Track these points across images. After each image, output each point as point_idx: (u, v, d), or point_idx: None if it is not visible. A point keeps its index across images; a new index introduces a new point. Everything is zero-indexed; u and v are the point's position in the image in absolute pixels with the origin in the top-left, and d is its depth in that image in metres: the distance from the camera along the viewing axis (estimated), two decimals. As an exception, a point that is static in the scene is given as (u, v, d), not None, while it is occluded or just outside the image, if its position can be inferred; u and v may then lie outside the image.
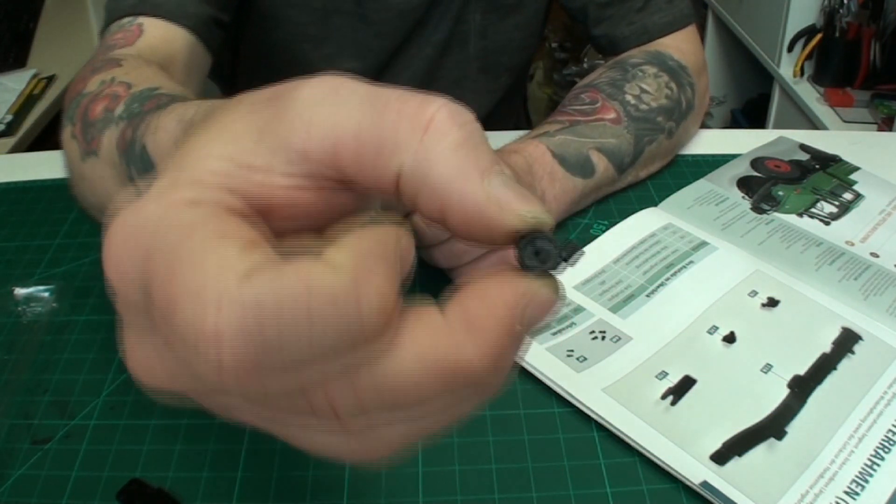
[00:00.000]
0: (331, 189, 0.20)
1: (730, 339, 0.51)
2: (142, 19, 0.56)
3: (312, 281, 0.17)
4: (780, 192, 0.66)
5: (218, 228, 0.18)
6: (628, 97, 0.65)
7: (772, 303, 0.54)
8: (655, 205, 0.65)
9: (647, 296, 0.55)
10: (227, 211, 0.19)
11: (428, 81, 0.79)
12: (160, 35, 0.56)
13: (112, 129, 0.44)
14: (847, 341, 0.51)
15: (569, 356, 0.50)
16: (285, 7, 0.71)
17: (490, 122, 0.84)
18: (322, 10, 0.71)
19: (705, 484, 0.42)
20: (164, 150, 0.37)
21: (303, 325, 0.17)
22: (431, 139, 0.19)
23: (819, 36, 1.59)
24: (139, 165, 0.39)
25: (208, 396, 0.20)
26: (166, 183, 0.20)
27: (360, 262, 0.18)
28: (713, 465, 0.43)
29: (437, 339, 0.19)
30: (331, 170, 0.20)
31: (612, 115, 0.64)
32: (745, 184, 0.67)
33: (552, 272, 0.21)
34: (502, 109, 0.86)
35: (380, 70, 0.76)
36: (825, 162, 0.70)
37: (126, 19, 0.57)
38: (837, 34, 1.55)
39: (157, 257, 0.18)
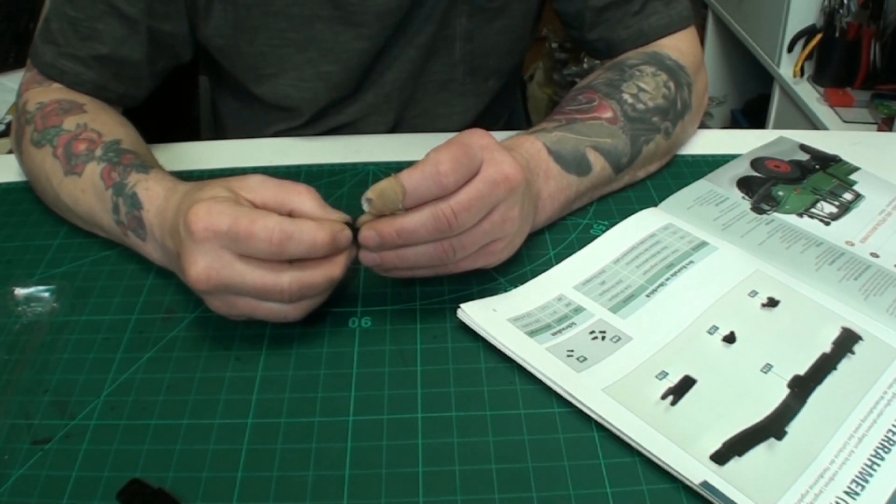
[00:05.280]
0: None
1: (730, 339, 0.51)
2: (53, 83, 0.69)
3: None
4: (780, 193, 0.66)
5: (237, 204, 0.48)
6: (625, 96, 0.65)
7: (772, 303, 0.54)
8: (655, 205, 0.65)
9: (647, 296, 0.55)
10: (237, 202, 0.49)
11: (413, 84, 0.78)
12: (67, 92, 0.69)
13: (93, 164, 0.60)
14: (847, 341, 0.51)
15: (569, 356, 0.50)
16: (264, 17, 0.71)
17: (479, 124, 0.84)
18: (300, 17, 0.71)
19: (705, 484, 0.42)
20: (153, 197, 0.56)
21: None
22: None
23: (819, 36, 1.59)
24: (127, 200, 0.57)
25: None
26: (204, 195, 0.49)
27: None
28: (713, 465, 0.43)
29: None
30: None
31: (608, 115, 0.64)
32: (745, 184, 0.67)
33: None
34: (492, 112, 0.86)
35: (363, 72, 0.76)
36: (825, 162, 0.70)
37: (41, 77, 0.70)
38: (837, 34, 1.55)
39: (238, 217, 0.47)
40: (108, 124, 0.64)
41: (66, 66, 0.68)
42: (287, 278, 0.48)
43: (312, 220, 0.48)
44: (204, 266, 0.47)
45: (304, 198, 0.50)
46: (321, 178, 0.70)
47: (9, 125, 1.24)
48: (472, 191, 0.49)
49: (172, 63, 0.74)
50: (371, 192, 0.48)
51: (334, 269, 0.50)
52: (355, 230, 0.50)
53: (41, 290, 0.57)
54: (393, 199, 0.48)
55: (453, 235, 0.50)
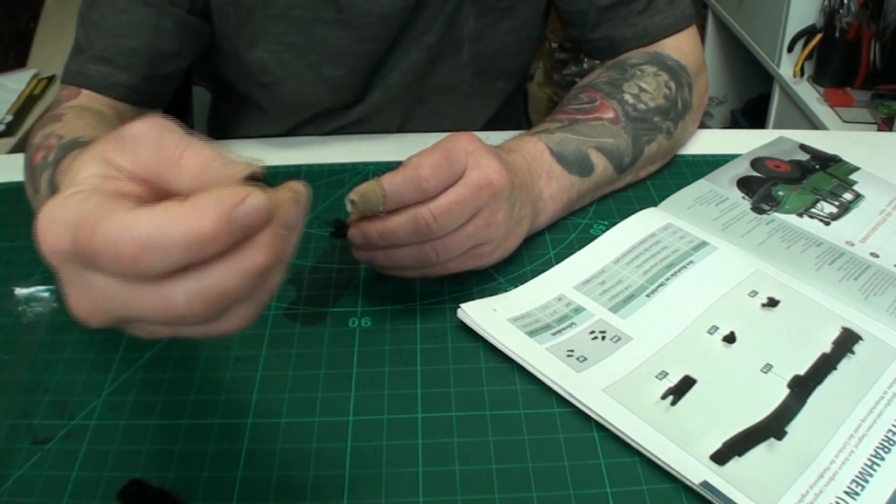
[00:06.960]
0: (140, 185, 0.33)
1: (730, 339, 0.51)
2: (79, 89, 0.65)
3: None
4: (780, 192, 0.66)
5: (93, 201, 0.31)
6: (627, 96, 0.65)
7: (772, 303, 0.54)
8: (655, 205, 0.65)
9: (648, 296, 0.55)
10: (95, 193, 0.31)
11: (420, 86, 0.78)
12: (93, 101, 0.65)
13: (46, 174, 0.54)
14: (847, 341, 0.51)
15: (569, 356, 0.50)
16: (264, 19, 0.70)
17: (490, 126, 0.84)
18: (302, 19, 0.71)
19: (705, 484, 0.42)
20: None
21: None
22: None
23: (819, 36, 1.59)
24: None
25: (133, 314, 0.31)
26: (64, 190, 0.32)
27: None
28: (713, 464, 0.43)
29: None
30: (134, 179, 0.33)
31: (610, 115, 0.64)
32: (745, 184, 0.67)
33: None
34: (502, 114, 0.86)
35: (368, 74, 0.76)
36: (825, 162, 0.70)
37: (67, 86, 0.66)
38: (837, 34, 1.55)
39: (80, 226, 0.30)
40: (78, 125, 0.58)
41: (93, 70, 0.64)
42: (181, 295, 0.31)
43: (194, 201, 0.30)
44: (75, 301, 0.32)
45: (183, 165, 0.32)
46: (321, 178, 0.70)
47: (9, 125, 1.24)
48: (452, 195, 0.49)
49: (196, 53, 0.72)
50: (353, 194, 0.49)
51: (255, 257, 0.31)
52: (346, 227, 0.52)
53: (41, 290, 0.57)
54: (374, 201, 0.49)
55: (435, 238, 0.50)
